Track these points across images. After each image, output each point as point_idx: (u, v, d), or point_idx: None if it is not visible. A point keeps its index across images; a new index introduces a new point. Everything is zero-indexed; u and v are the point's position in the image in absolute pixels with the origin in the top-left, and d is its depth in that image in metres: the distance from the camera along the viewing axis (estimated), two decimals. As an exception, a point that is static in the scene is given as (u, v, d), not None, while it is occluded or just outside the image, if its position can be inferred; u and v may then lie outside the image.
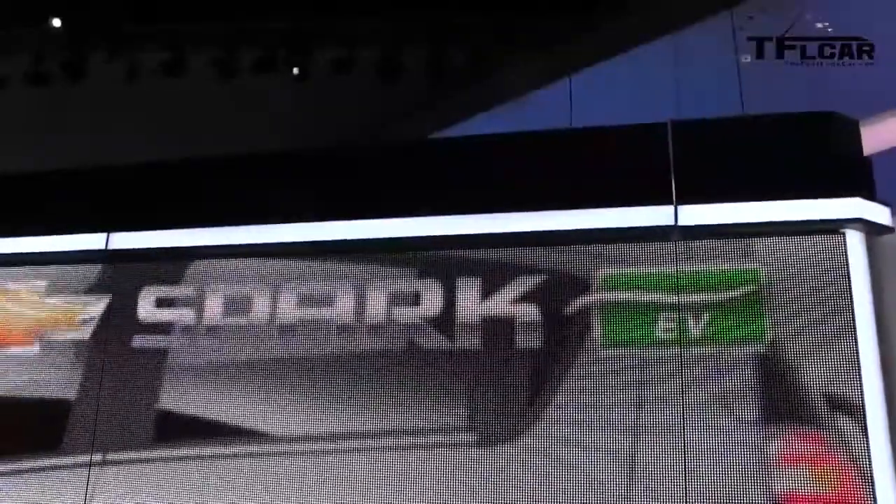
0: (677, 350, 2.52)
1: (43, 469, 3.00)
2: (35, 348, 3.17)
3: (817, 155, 2.58)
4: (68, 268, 3.24)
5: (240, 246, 3.06)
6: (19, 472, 3.03)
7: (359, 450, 2.72)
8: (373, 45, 4.36)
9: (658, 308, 2.59)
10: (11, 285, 3.30)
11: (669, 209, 2.64)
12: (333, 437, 2.76)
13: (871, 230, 2.50)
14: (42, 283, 3.26)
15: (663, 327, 2.57)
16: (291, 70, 4.39)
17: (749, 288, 2.52)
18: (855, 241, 2.47)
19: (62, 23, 4.50)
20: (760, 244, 2.55)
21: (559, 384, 2.60)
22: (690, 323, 2.55)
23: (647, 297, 2.61)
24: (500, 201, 2.78)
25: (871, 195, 2.52)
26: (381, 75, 4.08)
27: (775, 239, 2.54)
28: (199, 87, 4.23)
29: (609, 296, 2.65)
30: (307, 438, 2.78)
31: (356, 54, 4.29)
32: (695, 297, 2.57)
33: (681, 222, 2.62)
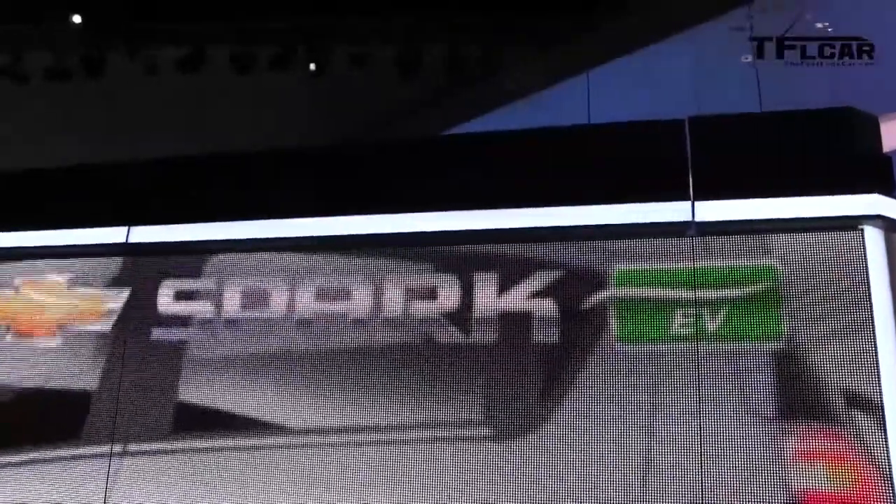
0: (693, 346, 2.41)
1: (64, 459, 2.91)
2: (57, 340, 3.08)
3: (836, 151, 2.45)
4: (89, 261, 3.14)
5: (258, 240, 2.95)
6: (41, 461, 2.94)
7: (375, 443, 2.62)
8: (385, 43, 4.24)
9: (674, 304, 2.47)
10: (35, 278, 3.20)
11: (686, 205, 2.51)
12: (349, 430, 2.65)
13: (890, 226, 2.37)
14: (64, 276, 3.15)
15: (680, 323, 2.45)
16: (306, 67, 4.27)
17: (766, 284, 2.40)
18: (873, 238, 2.34)
19: (82, 19, 4.38)
20: (778, 240, 2.42)
21: (575, 379, 2.49)
22: (707, 319, 2.43)
23: (664, 293, 2.49)
24: (517, 197, 2.66)
25: (889, 191, 2.39)
26: (397, 72, 3.96)
27: (793, 235, 2.41)
28: (218, 83, 4.11)
29: (625, 292, 2.53)
30: (323, 431, 2.68)
31: (369, 52, 4.17)
32: (711, 294, 2.44)
33: (698, 218, 2.50)
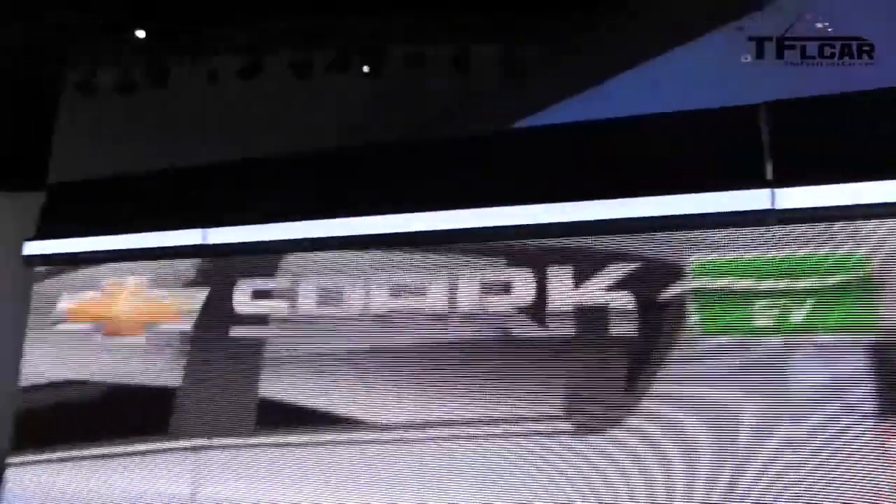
0: (779, 338, 2.27)
1: (152, 452, 2.94)
2: (142, 338, 3.11)
3: (929, 131, 2.27)
4: (169, 262, 3.17)
5: (331, 238, 2.92)
6: (130, 454, 2.98)
7: (453, 437, 2.56)
8: (440, 43, 4.16)
9: (756, 295, 2.33)
10: (118, 279, 3.24)
11: (766, 192, 2.38)
12: (427, 425, 2.59)
13: None
14: (147, 277, 3.19)
15: (762, 314, 2.32)
16: (359, 68, 4.23)
17: (856, 273, 2.25)
18: (973, 221, 2.17)
19: (146, 33, 4.44)
20: (867, 227, 2.27)
21: (656, 373, 2.38)
22: (791, 310, 2.29)
23: (745, 283, 2.36)
24: (592, 189, 2.56)
25: None
26: (454, 70, 3.90)
27: (883, 221, 2.25)
28: (278, 87, 4.11)
29: (704, 282, 2.41)
30: (402, 426, 2.63)
31: (425, 52, 4.10)
32: (795, 284, 2.31)
33: (778, 206, 2.36)
